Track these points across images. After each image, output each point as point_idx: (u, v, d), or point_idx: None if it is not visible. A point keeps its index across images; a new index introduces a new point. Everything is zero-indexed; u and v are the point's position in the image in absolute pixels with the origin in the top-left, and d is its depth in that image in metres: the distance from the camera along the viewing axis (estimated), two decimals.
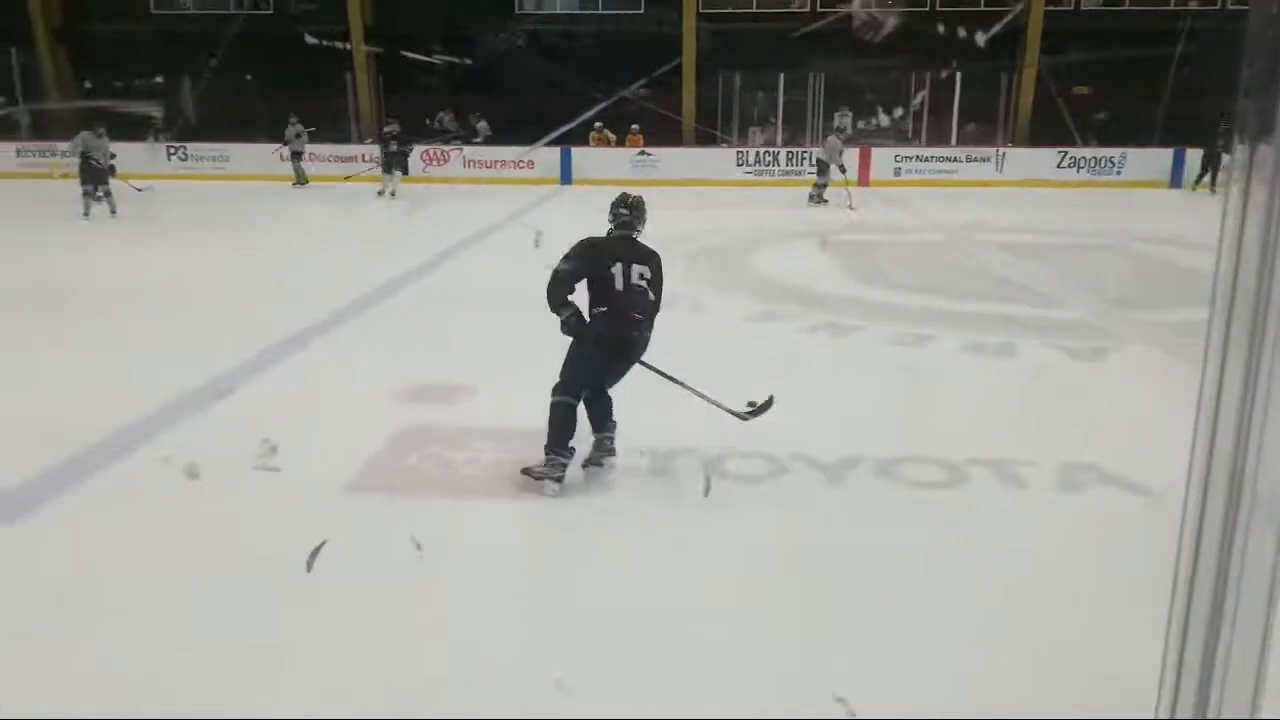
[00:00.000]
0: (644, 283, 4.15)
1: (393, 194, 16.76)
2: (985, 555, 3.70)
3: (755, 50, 21.54)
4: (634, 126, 20.90)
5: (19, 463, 4.42)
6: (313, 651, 2.99)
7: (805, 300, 8.44)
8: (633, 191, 4.50)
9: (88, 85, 21.77)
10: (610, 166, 19.96)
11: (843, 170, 16.44)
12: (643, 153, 20.84)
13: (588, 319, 4.17)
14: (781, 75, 22.69)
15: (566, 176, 20.35)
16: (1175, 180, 19.76)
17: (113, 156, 13.87)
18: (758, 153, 21.14)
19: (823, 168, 16.84)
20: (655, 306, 4.25)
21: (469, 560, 3.52)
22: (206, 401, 5.42)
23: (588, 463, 4.37)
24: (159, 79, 22.39)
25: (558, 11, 23.63)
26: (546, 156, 20.58)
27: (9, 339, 7.05)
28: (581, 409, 4.27)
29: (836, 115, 23.02)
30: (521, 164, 20.60)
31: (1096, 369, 6.48)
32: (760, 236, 12.69)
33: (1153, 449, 4.85)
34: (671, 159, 20.87)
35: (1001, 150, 20.79)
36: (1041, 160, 20.27)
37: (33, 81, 23.58)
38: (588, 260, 4.13)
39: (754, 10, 22.93)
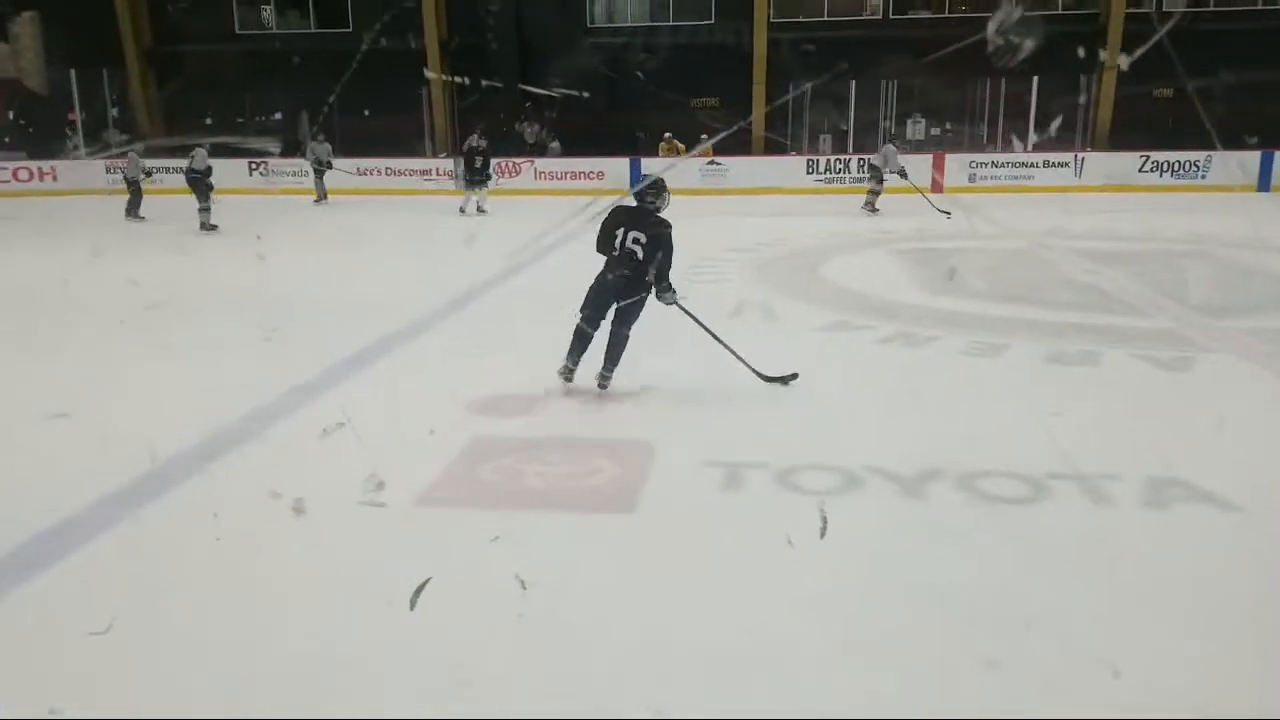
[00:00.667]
0: (637, 246, 5.49)
1: (479, 209, 16.74)
2: (1074, 574, 3.59)
3: (826, 58, 21.37)
4: (703, 136, 20.87)
5: (104, 476, 4.56)
6: (388, 666, 3.04)
7: (878, 310, 8.33)
8: (660, 177, 5.77)
9: (208, 122, 22.76)
10: (679, 176, 19.95)
11: (903, 176, 16.04)
12: (712, 162, 20.81)
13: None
14: (853, 83, 22.48)
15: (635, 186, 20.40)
16: (1263, 183, 19.04)
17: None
18: (828, 160, 20.93)
19: (876, 174, 16.43)
20: (651, 265, 5.53)
21: (545, 577, 3.52)
22: (302, 423, 5.58)
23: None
24: (278, 115, 23.33)
25: (630, 24, 23.75)
26: (616, 167, 20.70)
27: (93, 350, 7.35)
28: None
29: (909, 122, 22.70)
30: (592, 174, 20.75)
31: (1182, 379, 6.27)
32: (831, 245, 12.57)
33: (1243, 464, 4.68)
34: (741, 168, 20.81)
35: (1080, 155, 20.28)
36: (1122, 164, 19.71)
37: (123, 102, 24.51)
38: (607, 223, 5.61)
39: (825, 19, 22.78)
